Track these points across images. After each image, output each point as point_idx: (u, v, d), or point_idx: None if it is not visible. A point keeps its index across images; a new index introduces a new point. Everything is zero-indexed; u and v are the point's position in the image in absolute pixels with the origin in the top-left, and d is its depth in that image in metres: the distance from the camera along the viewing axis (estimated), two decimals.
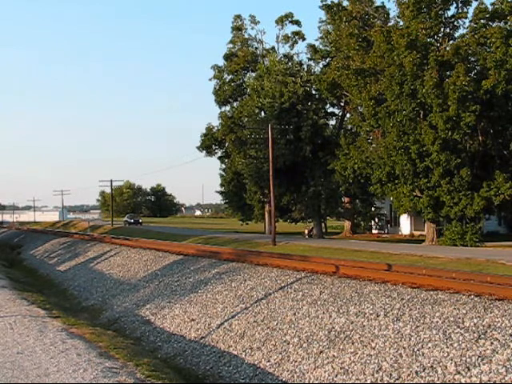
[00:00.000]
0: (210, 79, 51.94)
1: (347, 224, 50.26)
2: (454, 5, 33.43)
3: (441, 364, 7.43)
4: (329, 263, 14.81)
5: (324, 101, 44.55)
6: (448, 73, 32.02)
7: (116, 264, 21.47)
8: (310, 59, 47.12)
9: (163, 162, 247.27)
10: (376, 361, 8.18)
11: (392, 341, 8.46)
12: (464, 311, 8.51)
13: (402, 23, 35.10)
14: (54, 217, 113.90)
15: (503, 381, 6.70)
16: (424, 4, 32.58)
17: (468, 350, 7.43)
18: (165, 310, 13.92)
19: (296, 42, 48.51)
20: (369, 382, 7.89)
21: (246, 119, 46.00)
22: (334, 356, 8.84)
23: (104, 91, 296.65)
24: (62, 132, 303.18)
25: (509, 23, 32.33)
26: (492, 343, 7.40)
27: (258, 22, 50.15)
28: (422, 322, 8.63)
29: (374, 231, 52.87)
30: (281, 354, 9.70)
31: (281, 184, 42.02)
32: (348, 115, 45.25)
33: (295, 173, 42.82)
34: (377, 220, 52.57)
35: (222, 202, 68.15)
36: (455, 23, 34.11)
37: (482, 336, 7.64)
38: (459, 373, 7.11)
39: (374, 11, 38.76)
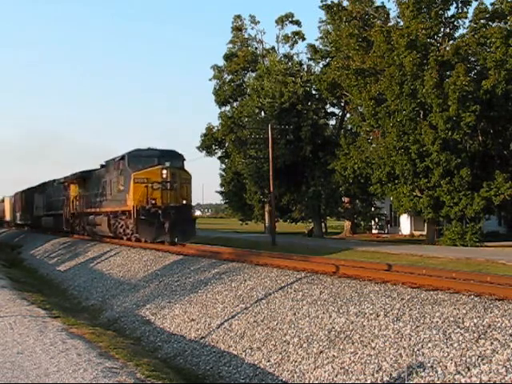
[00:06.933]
0: (210, 79, 52.07)
1: (347, 224, 50.27)
2: (454, 5, 33.51)
3: (441, 364, 7.43)
4: (329, 263, 14.81)
5: (324, 101, 44.60)
6: (448, 73, 32.07)
7: (116, 264, 21.46)
8: (309, 59, 47.22)
9: None
10: (376, 361, 8.18)
11: (392, 341, 8.45)
12: (464, 311, 8.51)
13: (402, 23, 35.14)
14: None
15: (503, 381, 6.71)
16: (424, 4, 32.64)
17: (468, 350, 7.43)
18: (165, 310, 13.92)
19: (296, 42, 48.62)
20: (369, 381, 7.89)
21: (246, 119, 46.07)
22: (334, 356, 8.84)
23: (104, 91, 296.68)
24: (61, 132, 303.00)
25: (509, 23, 32.40)
26: (492, 343, 7.40)
27: (258, 22, 50.32)
28: (422, 321, 8.63)
29: (374, 231, 52.89)
30: (281, 353, 9.69)
31: (281, 184, 42.05)
32: (348, 115, 45.29)
33: (295, 173, 42.84)
34: (377, 220, 52.59)
35: (222, 202, 68.15)
36: (455, 23, 34.19)
37: (482, 336, 7.64)
38: (459, 373, 7.11)
39: (374, 11, 38.77)
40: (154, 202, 23.18)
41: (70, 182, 35.43)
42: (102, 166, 29.49)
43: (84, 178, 32.59)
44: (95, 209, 29.55)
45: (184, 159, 26.25)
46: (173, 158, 25.10)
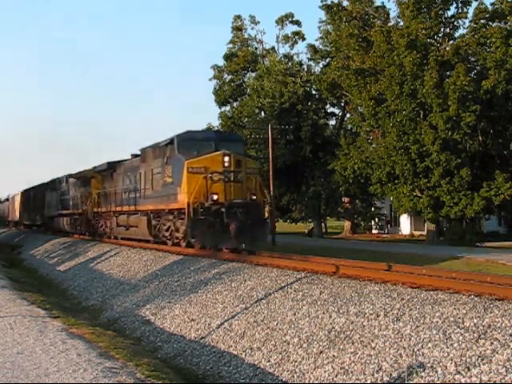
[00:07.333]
0: (210, 79, 52.05)
1: (347, 224, 50.29)
2: (454, 5, 33.54)
3: (441, 364, 7.43)
4: (329, 263, 14.81)
5: (324, 101, 44.63)
6: (448, 73, 32.10)
7: (116, 264, 21.46)
8: (310, 59, 47.26)
9: None
10: (376, 361, 8.18)
11: (392, 341, 8.45)
12: (464, 311, 8.51)
13: (402, 23, 35.17)
14: None
15: (503, 381, 6.70)
16: (424, 4, 32.66)
17: (468, 350, 7.43)
18: (165, 310, 13.92)
19: (296, 42, 48.65)
20: (369, 381, 7.89)
21: (246, 119, 46.09)
22: (334, 356, 8.84)
23: (104, 91, 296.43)
24: (61, 132, 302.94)
25: (509, 23, 32.44)
26: (492, 343, 7.40)
27: (258, 22, 50.35)
28: (422, 321, 8.63)
29: (374, 231, 52.90)
30: (281, 354, 9.69)
31: (281, 184, 42.07)
32: (348, 115, 45.33)
33: (295, 173, 42.87)
34: (377, 220, 52.62)
35: None
36: (455, 23, 34.23)
37: (482, 336, 7.64)
38: (459, 373, 7.10)
39: (374, 11, 38.80)
40: (215, 197, 18.32)
41: (92, 176, 30.70)
42: (135, 156, 25.00)
43: (110, 171, 27.84)
44: (128, 207, 24.58)
45: (246, 144, 20.73)
46: (233, 142, 20.75)
